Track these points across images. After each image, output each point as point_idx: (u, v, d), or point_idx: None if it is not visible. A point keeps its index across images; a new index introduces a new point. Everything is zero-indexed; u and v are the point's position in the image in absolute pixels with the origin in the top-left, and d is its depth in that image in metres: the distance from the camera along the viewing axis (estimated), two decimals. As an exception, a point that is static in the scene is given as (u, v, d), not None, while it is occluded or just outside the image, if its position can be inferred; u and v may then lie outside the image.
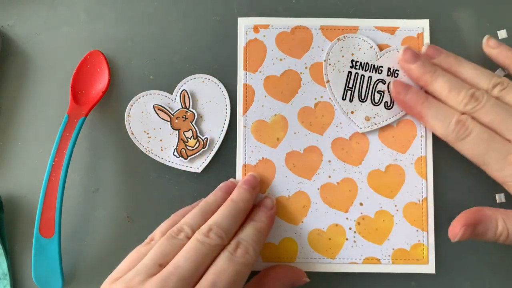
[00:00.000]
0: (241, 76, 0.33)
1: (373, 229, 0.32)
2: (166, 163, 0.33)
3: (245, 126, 0.33)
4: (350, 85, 0.33)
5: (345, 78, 0.33)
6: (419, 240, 0.32)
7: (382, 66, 0.33)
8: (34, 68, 0.35)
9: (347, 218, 0.32)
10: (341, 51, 0.33)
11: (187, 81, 0.33)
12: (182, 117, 0.33)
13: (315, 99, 0.33)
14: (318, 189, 0.33)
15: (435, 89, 0.31)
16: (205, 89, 0.33)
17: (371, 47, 0.33)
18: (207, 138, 0.33)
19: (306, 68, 0.33)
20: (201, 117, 0.33)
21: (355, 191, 0.33)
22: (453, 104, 0.30)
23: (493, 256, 0.33)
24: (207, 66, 0.34)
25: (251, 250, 0.27)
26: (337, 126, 0.33)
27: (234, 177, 0.33)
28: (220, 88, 0.33)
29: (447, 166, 0.33)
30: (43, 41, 0.35)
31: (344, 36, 0.33)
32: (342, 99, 0.33)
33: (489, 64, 0.34)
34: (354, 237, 0.32)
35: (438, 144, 0.33)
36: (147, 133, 0.33)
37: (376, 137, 0.33)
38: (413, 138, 0.33)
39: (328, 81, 0.33)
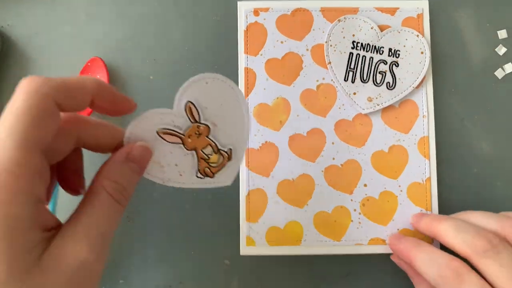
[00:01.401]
0: (242, 59, 0.33)
1: (377, 210, 0.32)
2: (190, 186, 0.27)
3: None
4: (352, 66, 0.33)
5: (347, 59, 0.33)
6: (423, 220, 0.32)
7: (383, 47, 0.33)
8: (34, 68, 0.34)
9: (351, 200, 0.32)
10: (342, 32, 0.33)
11: (188, 89, 0.26)
12: (195, 133, 0.26)
13: (317, 81, 0.33)
14: (322, 171, 0.33)
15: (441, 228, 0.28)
16: (211, 91, 0.26)
17: (371, 28, 0.33)
18: (230, 148, 0.27)
19: (307, 50, 0.33)
20: (216, 126, 0.26)
21: (359, 172, 0.33)
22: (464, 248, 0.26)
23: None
24: (207, 66, 0.34)
25: None
26: (339, 108, 0.33)
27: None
28: (229, 85, 0.26)
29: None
30: (43, 41, 0.35)
31: (344, 18, 0.33)
32: (344, 80, 0.33)
33: (490, 65, 0.34)
34: (359, 218, 0.32)
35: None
36: (158, 163, 0.26)
37: (379, 118, 0.33)
38: (415, 118, 0.33)
39: (329, 63, 0.33)
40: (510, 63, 0.34)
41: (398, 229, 0.32)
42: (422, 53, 0.33)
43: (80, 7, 0.35)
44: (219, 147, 0.27)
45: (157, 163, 0.26)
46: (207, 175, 0.27)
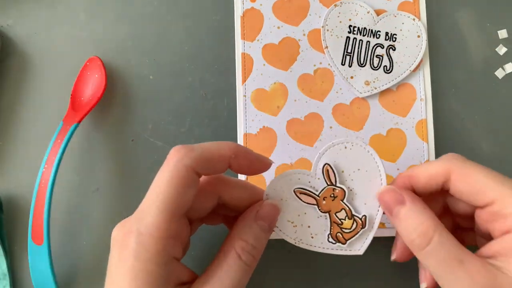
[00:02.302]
0: (239, 45, 0.33)
1: (376, 193, 0.32)
2: (321, 250, 0.28)
3: (244, 96, 0.33)
4: (349, 50, 0.33)
5: (344, 44, 0.33)
6: (422, 203, 0.32)
7: (379, 31, 0.33)
8: (33, 68, 0.34)
9: (350, 183, 0.32)
10: (338, 16, 0.33)
11: (326, 151, 0.27)
12: (330, 195, 0.27)
13: (314, 65, 0.33)
14: (320, 155, 0.33)
15: None
16: (349, 156, 0.27)
17: (368, 12, 0.33)
18: (365, 216, 0.27)
19: (304, 35, 0.33)
20: (351, 190, 0.27)
21: (357, 156, 0.33)
22: None
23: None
24: (207, 66, 0.34)
25: None
26: (337, 92, 0.33)
27: None
28: (368, 151, 0.27)
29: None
30: (43, 41, 0.35)
31: (340, 2, 0.33)
32: (341, 64, 0.33)
33: (491, 65, 0.34)
34: (358, 202, 0.32)
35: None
36: (291, 222, 0.27)
37: (376, 102, 0.33)
38: (413, 101, 0.33)
39: (326, 47, 0.33)
40: (510, 63, 0.34)
41: (397, 212, 0.32)
42: (418, 36, 0.33)
43: (80, 7, 0.35)
44: (353, 212, 0.27)
45: (290, 222, 0.27)
46: (339, 241, 0.27)
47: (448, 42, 0.34)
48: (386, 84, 0.33)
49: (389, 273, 0.33)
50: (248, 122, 0.33)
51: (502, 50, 0.34)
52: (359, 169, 0.27)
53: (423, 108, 0.33)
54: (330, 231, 0.27)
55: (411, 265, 0.33)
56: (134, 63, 0.34)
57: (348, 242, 0.27)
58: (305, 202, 0.27)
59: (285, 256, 0.33)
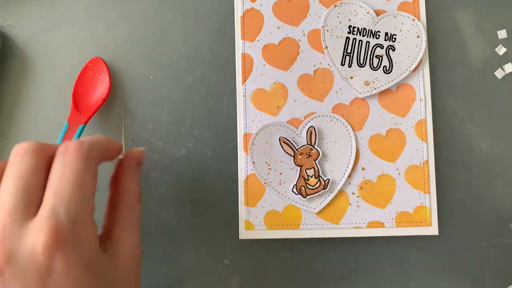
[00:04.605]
0: (239, 45, 0.33)
1: (376, 193, 0.32)
2: (284, 198, 0.32)
3: (244, 96, 0.33)
4: (349, 51, 0.33)
5: (343, 44, 0.33)
6: (421, 203, 0.32)
7: (379, 31, 0.33)
8: (34, 68, 0.35)
9: (349, 183, 0.32)
10: (338, 17, 0.33)
11: (315, 118, 0.32)
12: (306, 153, 0.32)
13: (314, 65, 0.33)
14: (320, 155, 0.33)
15: None
16: (332, 128, 0.32)
17: (367, 13, 0.33)
18: (329, 179, 0.31)
19: (304, 35, 0.33)
20: (324, 156, 0.32)
21: (357, 156, 0.33)
22: None
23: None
24: (207, 66, 0.34)
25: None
26: (337, 92, 0.33)
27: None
28: (348, 130, 0.32)
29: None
30: (43, 41, 0.35)
31: (340, 3, 0.33)
32: (341, 64, 0.33)
33: (490, 65, 0.34)
34: (357, 201, 0.32)
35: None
36: (268, 164, 0.32)
37: (376, 102, 0.33)
38: (412, 101, 0.33)
39: (326, 47, 0.33)
40: (510, 63, 0.34)
41: (396, 212, 0.32)
42: (418, 37, 0.33)
43: (80, 7, 0.35)
44: (320, 173, 0.31)
45: (267, 164, 0.32)
46: (300, 193, 0.31)
47: (448, 43, 0.34)
48: (385, 84, 0.33)
49: (389, 273, 0.33)
50: (248, 122, 0.33)
51: (501, 50, 0.34)
52: (336, 141, 0.32)
53: (422, 108, 0.33)
54: (297, 182, 0.31)
55: (411, 265, 0.33)
56: (134, 63, 0.34)
57: (308, 197, 0.31)
58: (285, 151, 0.31)
59: (286, 257, 0.33)
